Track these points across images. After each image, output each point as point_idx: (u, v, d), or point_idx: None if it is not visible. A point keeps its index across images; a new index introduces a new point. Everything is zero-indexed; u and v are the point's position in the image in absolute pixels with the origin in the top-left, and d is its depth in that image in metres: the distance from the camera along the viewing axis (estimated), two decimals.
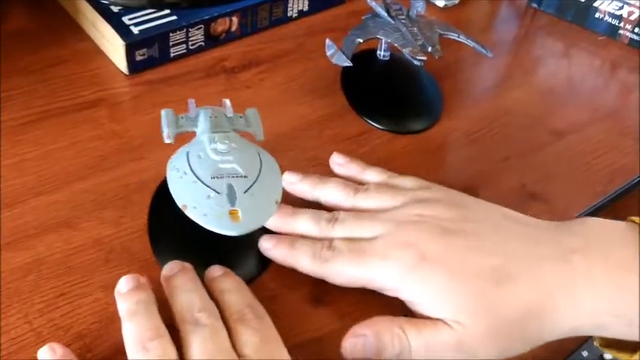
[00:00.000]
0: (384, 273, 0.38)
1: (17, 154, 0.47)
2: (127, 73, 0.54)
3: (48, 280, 0.40)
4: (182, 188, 0.38)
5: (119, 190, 0.45)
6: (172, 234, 0.43)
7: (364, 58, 0.56)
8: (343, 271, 0.39)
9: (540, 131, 0.55)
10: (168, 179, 0.39)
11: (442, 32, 0.53)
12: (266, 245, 0.42)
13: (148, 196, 0.45)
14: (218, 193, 0.37)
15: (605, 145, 0.54)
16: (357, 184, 0.44)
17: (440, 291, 0.37)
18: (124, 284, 0.37)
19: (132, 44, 0.52)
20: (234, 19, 0.57)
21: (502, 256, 0.38)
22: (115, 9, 0.54)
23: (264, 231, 0.42)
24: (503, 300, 0.37)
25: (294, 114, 0.53)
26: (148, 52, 0.54)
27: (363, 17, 0.55)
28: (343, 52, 0.51)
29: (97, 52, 0.56)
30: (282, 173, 0.42)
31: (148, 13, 0.55)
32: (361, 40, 0.52)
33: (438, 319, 0.37)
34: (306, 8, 0.62)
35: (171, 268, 0.39)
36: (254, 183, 0.39)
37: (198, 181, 0.38)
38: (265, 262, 0.42)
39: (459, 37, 0.53)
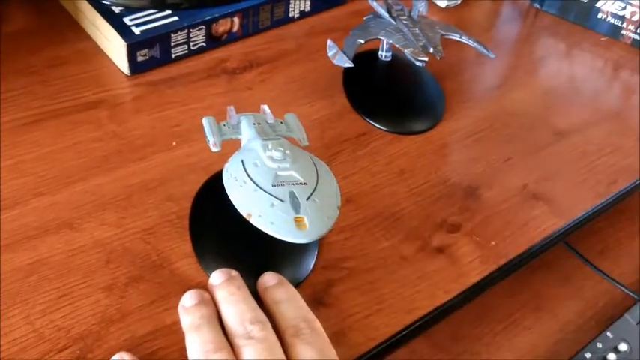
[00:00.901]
0: None
1: (17, 155, 0.47)
2: (128, 73, 0.54)
3: (49, 281, 0.40)
4: (244, 197, 0.37)
5: (120, 191, 0.45)
6: (215, 238, 0.43)
7: (366, 58, 0.56)
8: None
9: (543, 132, 0.54)
10: (227, 188, 0.38)
11: (444, 33, 0.53)
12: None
13: (148, 197, 0.45)
14: (282, 201, 0.37)
15: (607, 146, 0.54)
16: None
17: None
18: (188, 299, 0.38)
19: (133, 45, 0.52)
20: (236, 20, 0.57)
21: None
22: (117, 10, 0.54)
23: None
24: None
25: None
26: (150, 53, 0.54)
27: (365, 18, 0.55)
28: (344, 53, 0.51)
29: (98, 53, 0.55)
30: None
31: (149, 14, 0.54)
32: (362, 41, 0.52)
33: None
34: (307, 9, 0.62)
35: (218, 276, 0.39)
36: (314, 190, 0.39)
37: (260, 190, 0.37)
38: (308, 266, 0.42)
39: (460, 37, 0.53)
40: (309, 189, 0.38)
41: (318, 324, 0.37)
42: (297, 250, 0.42)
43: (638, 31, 0.63)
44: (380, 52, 0.56)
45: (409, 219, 0.46)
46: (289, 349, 0.36)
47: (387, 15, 0.53)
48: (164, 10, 0.55)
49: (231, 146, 0.42)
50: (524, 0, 0.69)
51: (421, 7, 0.54)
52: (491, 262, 0.44)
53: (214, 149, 0.40)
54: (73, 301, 0.39)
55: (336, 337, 0.39)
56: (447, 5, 0.66)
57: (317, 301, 0.41)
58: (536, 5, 0.68)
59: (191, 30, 0.55)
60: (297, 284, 0.41)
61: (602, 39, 0.65)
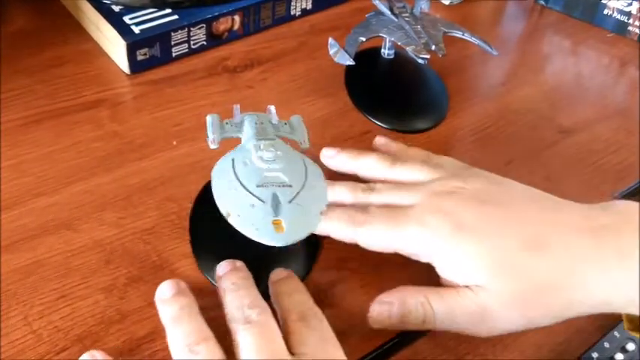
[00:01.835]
0: (418, 239, 0.38)
1: (17, 155, 0.46)
2: (128, 73, 0.53)
3: (48, 282, 0.40)
4: (226, 195, 0.37)
5: (120, 191, 0.45)
6: (215, 239, 0.42)
7: (368, 56, 0.55)
8: (377, 236, 0.39)
9: (547, 129, 0.54)
10: (212, 185, 0.38)
11: (446, 30, 0.52)
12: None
13: (149, 197, 0.45)
14: (263, 202, 0.37)
15: (613, 144, 0.53)
16: (395, 158, 0.44)
17: (470, 258, 0.37)
18: (165, 290, 0.37)
19: (133, 44, 0.52)
20: (237, 18, 0.57)
21: (536, 226, 0.38)
22: (117, 8, 0.54)
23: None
24: (532, 267, 0.37)
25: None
26: (150, 52, 0.53)
27: (367, 15, 0.54)
28: (346, 51, 0.50)
29: (99, 52, 0.55)
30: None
31: (149, 13, 0.54)
32: (364, 39, 0.51)
33: (464, 286, 0.37)
34: (309, 6, 0.61)
35: (223, 267, 0.38)
36: (299, 192, 0.38)
37: (243, 189, 0.37)
38: (309, 266, 0.42)
39: (463, 34, 0.52)
40: (294, 191, 0.38)
41: (322, 315, 0.36)
42: (297, 252, 0.42)
43: None
44: (382, 50, 0.56)
45: None
46: (291, 335, 0.34)
47: (389, 12, 0.53)
48: (164, 9, 0.55)
49: (232, 145, 0.41)
50: None
51: (423, 5, 0.53)
52: None
53: (212, 146, 0.40)
54: (72, 302, 0.39)
55: (339, 338, 0.38)
56: (451, 2, 0.65)
57: (319, 302, 0.40)
58: (541, 2, 0.67)
59: (191, 28, 0.54)
60: (302, 278, 0.40)
61: (608, 35, 0.64)
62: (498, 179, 0.42)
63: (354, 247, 0.43)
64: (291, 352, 0.34)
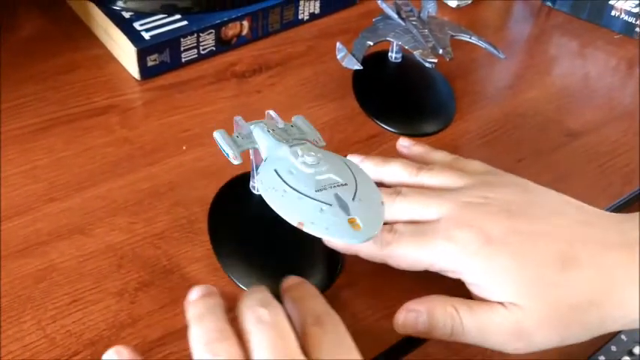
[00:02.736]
0: (447, 255, 0.38)
1: (29, 162, 0.47)
2: (138, 78, 0.54)
3: (60, 286, 0.40)
4: (289, 206, 0.37)
5: (131, 197, 0.46)
6: (238, 251, 0.43)
7: (376, 60, 0.55)
8: (406, 254, 0.39)
9: (555, 132, 0.54)
10: (268, 200, 0.37)
11: (453, 34, 0.52)
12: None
13: (159, 202, 0.45)
14: (329, 205, 0.36)
15: (621, 146, 0.53)
16: (421, 164, 0.43)
17: (502, 274, 0.37)
18: (194, 293, 0.36)
19: (143, 50, 0.53)
20: (245, 24, 0.57)
21: (567, 241, 0.38)
22: (127, 15, 0.55)
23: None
24: (566, 285, 0.36)
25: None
26: (160, 58, 0.54)
27: (374, 19, 0.54)
28: (354, 55, 0.51)
29: (109, 58, 0.56)
30: None
31: (159, 19, 0.55)
32: (372, 43, 0.51)
33: (497, 303, 0.37)
34: (317, 11, 0.62)
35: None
36: (356, 189, 0.38)
37: (304, 197, 0.37)
38: (333, 274, 0.42)
39: (470, 38, 0.53)
40: (352, 189, 0.38)
41: (339, 319, 0.36)
42: (320, 255, 0.42)
43: None
44: (390, 54, 0.56)
45: None
46: (308, 339, 0.34)
47: (396, 16, 0.53)
48: (174, 15, 0.55)
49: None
50: None
51: (430, 8, 0.53)
52: None
53: (236, 162, 0.39)
54: (84, 306, 0.39)
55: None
56: (458, 5, 0.65)
57: (328, 301, 0.41)
58: (549, 3, 0.67)
59: (201, 34, 0.55)
60: (322, 291, 0.40)
61: (616, 37, 0.64)
62: (530, 187, 0.41)
63: None
64: (308, 358, 0.33)
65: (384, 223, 0.38)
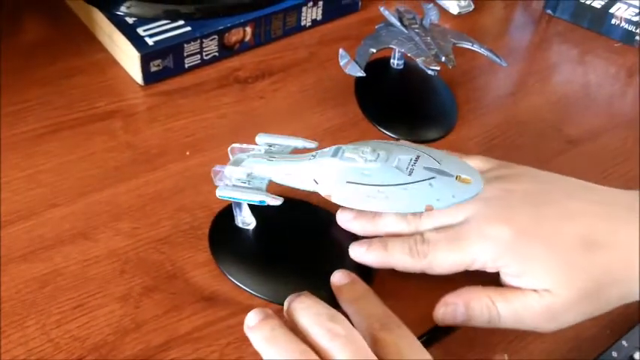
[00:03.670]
0: (484, 253, 0.39)
1: (32, 166, 0.47)
2: (142, 84, 0.54)
3: (64, 291, 0.40)
4: (400, 200, 0.37)
5: (134, 201, 0.46)
6: (243, 261, 0.43)
7: (378, 66, 0.56)
8: (444, 261, 0.40)
9: (555, 139, 0.54)
10: (374, 209, 0.37)
11: (456, 41, 0.53)
12: (358, 250, 0.42)
13: (162, 207, 0.46)
14: (432, 177, 0.37)
15: (621, 154, 0.53)
16: None
17: (534, 263, 0.39)
18: (252, 318, 0.36)
19: (147, 55, 0.53)
20: (248, 30, 0.57)
21: (589, 223, 0.39)
22: (130, 20, 0.55)
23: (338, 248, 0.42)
24: (591, 267, 0.38)
25: (308, 123, 0.53)
26: (163, 63, 0.54)
27: (376, 26, 0.55)
28: (356, 62, 0.51)
29: (113, 64, 0.56)
30: None
31: (162, 25, 0.55)
32: (374, 50, 0.52)
33: (530, 290, 0.38)
34: (319, 17, 0.62)
35: (286, 300, 0.37)
36: (430, 155, 0.39)
37: (407, 185, 0.37)
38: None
39: (472, 45, 0.53)
40: (427, 157, 0.38)
41: (399, 320, 0.36)
42: (331, 262, 0.42)
43: None
44: (392, 60, 0.56)
45: None
46: (382, 346, 0.34)
47: (398, 23, 0.53)
48: (177, 21, 0.55)
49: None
50: (537, 6, 0.68)
51: (433, 16, 0.54)
52: None
53: (278, 202, 0.39)
54: (89, 311, 0.40)
55: None
56: (459, 12, 0.66)
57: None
58: (549, 11, 0.67)
59: (204, 40, 0.55)
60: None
61: (616, 45, 0.64)
62: (541, 176, 0.43)
63: None
64: None
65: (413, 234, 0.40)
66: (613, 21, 0.64)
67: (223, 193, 0.40)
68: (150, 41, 0.53)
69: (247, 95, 0.55)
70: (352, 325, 0.35)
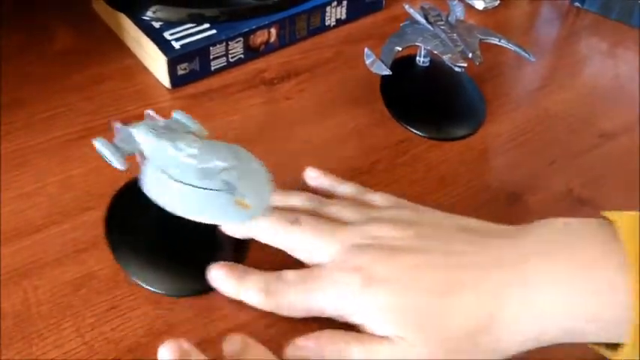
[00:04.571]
0: (331, 300, 0.38)
1: (65, 171, 0.48)
2: (169, 87, 0.55)
3: (98, 294, 0.41)
4: (179, 201, 0.37)
5: None
6: (136, 243, 0.43)
7: (404, 64, 0.55)
8: (294, 304, 0.39)
9: (587, 133, 0.53)
10: (155, 199, 0.38)
11: (482, 37, 0.52)
12: (215, 275, 0.40)
13: None
14: (217, 190, 0.37)
15: None
16: (322, 199, 0.43)
17: (385, 311, 0.37)
18: (164, 353, 0.34)
19: (174, 59, 0.53)
20: (273, 31, 0.58)
21: (449, 270, 0.37)
22: (157, 25, 0.55)
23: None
24: (447, 313, 0.36)
25: (334, 123, 0.53)
26: (190, 67, 0.54)
27: (401, 24, 0.54)
28: (382, 61, 0.51)
29: (141, 68, 0.57)
30: None
31: (188, 28, 0.55)
32: (400, 48, 0.52)
33: (385, 337, 0.36)
34: (343, 16, 0.62)
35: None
36: (242, 170, 0.38)
37: (193, 188, 0.37)
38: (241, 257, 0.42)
39: (499, 41, 0.52)
40: (237, 171, 0.38)
41: None
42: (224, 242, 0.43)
43: None
44: (417, 58, 0.56)
45: None
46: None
47: (424, 21, 0.53)
48: (202, 24, 0.56)
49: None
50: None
51: (458, 12, 0.53)
52: None
53: (122, 168, 0.39)
54: (122, 313, 0.40)
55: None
56: (485, 7, 0.65)
57: None
58: (577, 4, 0.66)
59: (229, 42, 0.55)
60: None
61: None
62: (420, 218, 0.41)
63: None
64: None
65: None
66: None
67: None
68: (176, 45, 0.54)
69: (273, 96, 0.55)
70: None
